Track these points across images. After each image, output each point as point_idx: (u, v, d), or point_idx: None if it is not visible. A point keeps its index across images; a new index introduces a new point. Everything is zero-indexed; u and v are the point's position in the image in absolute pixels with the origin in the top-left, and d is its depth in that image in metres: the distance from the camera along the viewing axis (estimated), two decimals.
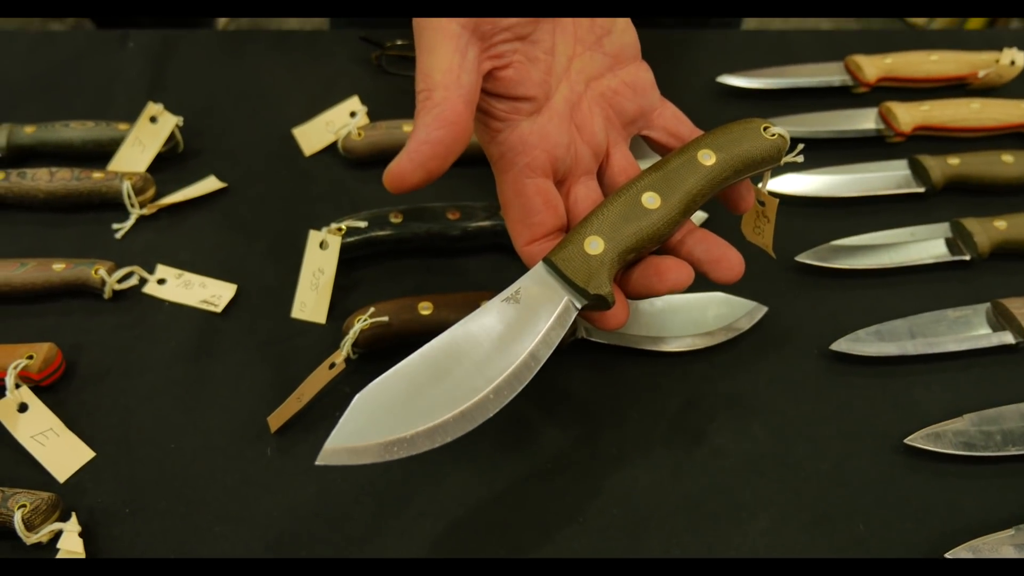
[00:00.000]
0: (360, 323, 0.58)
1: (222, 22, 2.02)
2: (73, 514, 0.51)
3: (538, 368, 0.46)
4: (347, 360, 0.58)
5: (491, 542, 0.52)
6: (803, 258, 0.68)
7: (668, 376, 0.61)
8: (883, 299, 0.67)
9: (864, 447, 0.58)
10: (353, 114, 0.73)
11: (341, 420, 0.43)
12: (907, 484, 0.56)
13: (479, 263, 0.67)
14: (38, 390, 0.56)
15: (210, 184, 0.69)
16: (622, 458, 0.57)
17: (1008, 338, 0.63)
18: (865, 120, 0.80)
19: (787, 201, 0.73)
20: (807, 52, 0.87)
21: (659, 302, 0.64)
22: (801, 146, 0.54)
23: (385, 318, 0.58)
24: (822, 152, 0.77)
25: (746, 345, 0.64)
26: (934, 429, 0.58)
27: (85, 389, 0.58)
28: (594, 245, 0.47)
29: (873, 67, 0.83)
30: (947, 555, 0.52)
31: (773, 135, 0.52)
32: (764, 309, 0.65)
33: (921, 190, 0.74)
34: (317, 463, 0.42)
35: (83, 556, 0.49)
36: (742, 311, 0.64)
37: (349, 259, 0.64)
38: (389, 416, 0.43)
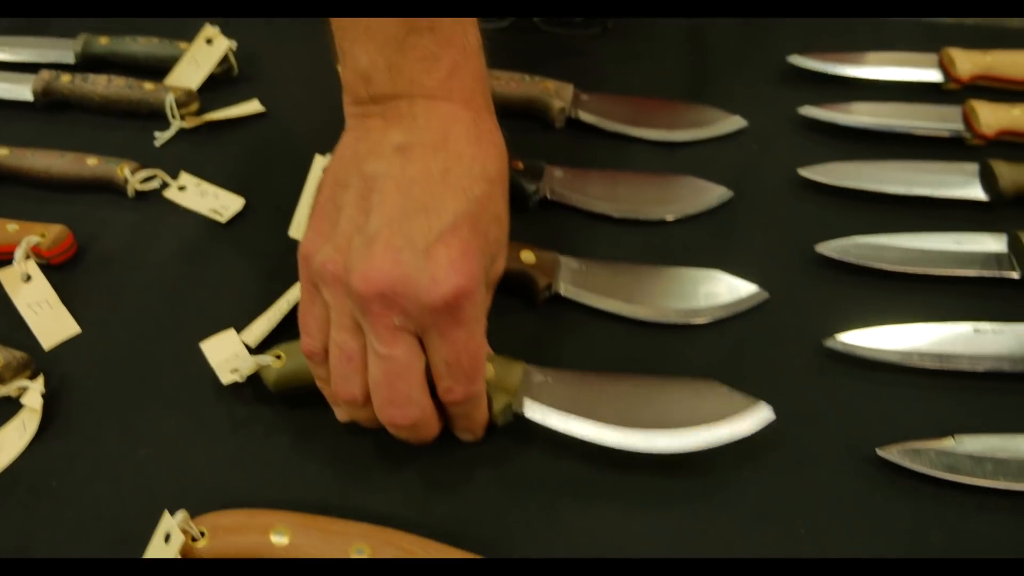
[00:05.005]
0: None
1: None
2: (41, 376, 0.55)
3: None
4: None
5: (409, 493, 0.52)
6: (823, 249, 0.63)
7: (642, 347, 0.59)
8: (907, 307, 0.61)
9: (832, 452, 0.53)
10: None
11: None
12: (865, 497, 0.51)
13: None
14: (47, 268, 0.62)
15: (251, 107, 0.73)
16: None
17: None
18: (945, 118, 0.72)
19: (827, 191, 0.68)
20: (900, 42, 0.80)
21: (645, 269, 0.61)
22: None
23: None
24: (889, 147, 0.71)
25: (736, 328, 0.60)
26: (915, 445, 0.52)
27: (88, 273, 0.63)
28: None
29: (969, 62, 0.75)
30: None
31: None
32: (764, 296, 0.61)
33: (985, 198, 0.66)
34: None
35: (40, 414, 0.54)
36: (740, 294, 0.61)
37: None
38: None
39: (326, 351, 0.48)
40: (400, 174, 0.45)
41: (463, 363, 0.46)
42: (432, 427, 0.49)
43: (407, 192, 0.44)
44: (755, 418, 0.52)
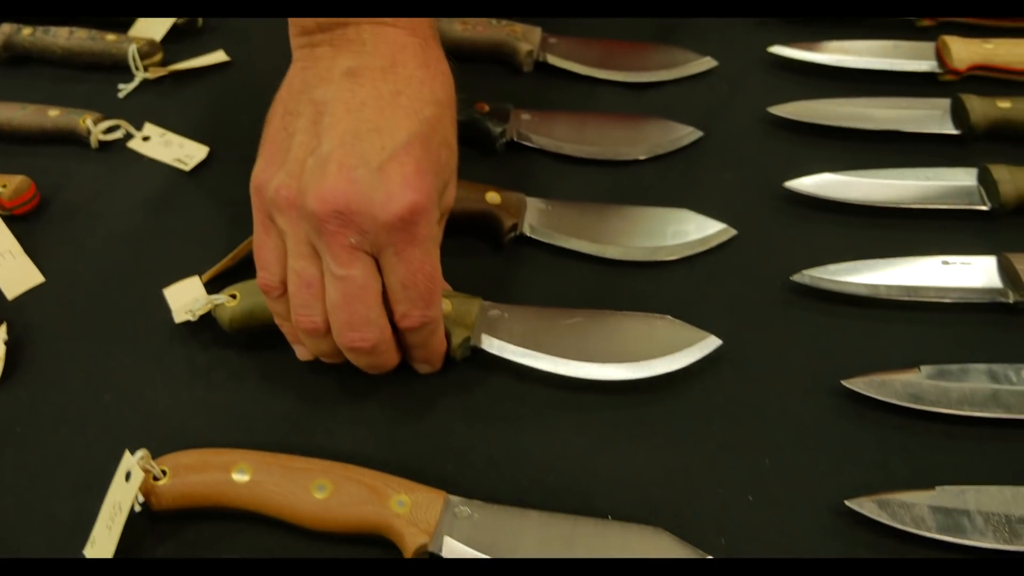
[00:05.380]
0: None
1: None
2: (4, 324, 0.55)
3: None
4: None
5: (373, 431, 0.52)
6: (792, 185, 0.62)
7: (609, 285, 0.58)
8: (876, 242, 0.60)
9: (799, 384, 0.53)
10: None
11: None
12: (831, 428, 0.51)
13: None
14: (11, 219, 0.61)
15: (215, 57, 0.72)
16: None
17: (1006, 296, 0.56)
18: (918, 54, 0.72)
19: (797, 128, 0.67)
20: None
21: (612, 209, 0.61)
22: None
23: None
24: (861, 85, 0.70)
25: (704, 265, 0.60)
26: (881, 376, 0.52)
27: (52, 224, 0.62)
28: None
29: None
30: (848, 503, 0.47)
31: None
32: (732, 233, 0.60)
33: (956, 132, 0.66)
34: None
35: (3, 362, 0.53)
36: (708, 231, 0.60)
37: None
38: None
39: (283, 285, 0.48)
40: (350, 97, 0.45)
41: (419, 284, 0.46)
42: (391, 353, 0.49)
43: (358, 114, 0.44)
44: (703, 347, 0.53)
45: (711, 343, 0.53)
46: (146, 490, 0.46)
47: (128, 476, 0.46)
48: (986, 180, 0.61)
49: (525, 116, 0.66)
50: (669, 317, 0.54)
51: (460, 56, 0.71)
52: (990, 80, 0.70)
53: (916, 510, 0.47)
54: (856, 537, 0.47)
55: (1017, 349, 0.55)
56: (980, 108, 0.65)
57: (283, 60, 0.73)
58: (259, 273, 0.49)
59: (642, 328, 0.54)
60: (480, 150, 0.66)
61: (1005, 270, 0.56)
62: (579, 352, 0.52)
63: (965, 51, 0.69)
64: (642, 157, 0.65)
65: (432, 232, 0.46)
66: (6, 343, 0.54)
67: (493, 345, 0.52)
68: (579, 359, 0.52)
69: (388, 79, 0.45)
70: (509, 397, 0.53)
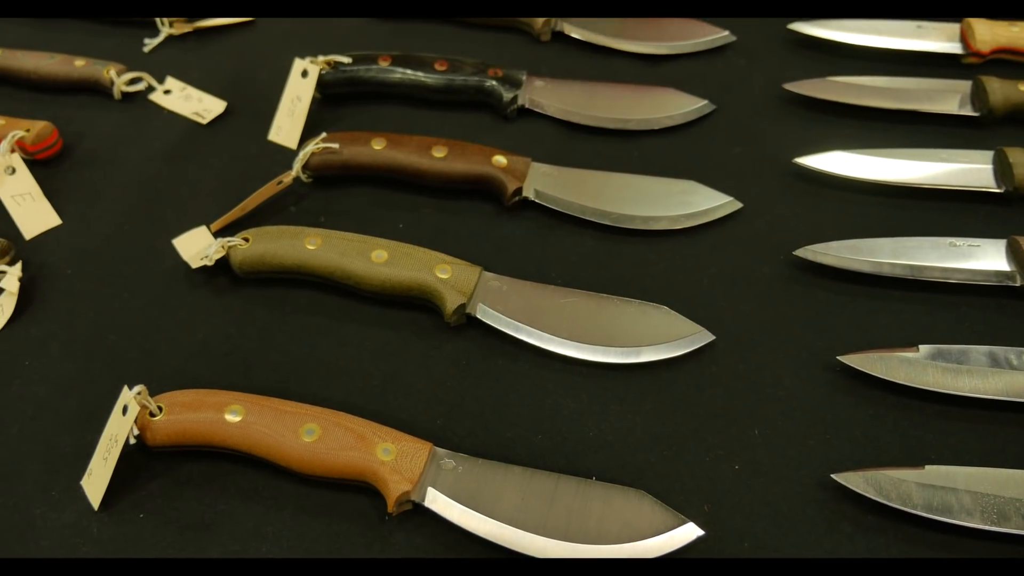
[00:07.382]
0: (312, 146, 0.60)
1: None
2: (20, 263, 0.57)
3: None
4: (298, 181, 0.60)
5: (367, 384, 0.53)
6: (803, 161, 0.62)
7: (609, 253, 0.59)
8: (886, 221, 0.60)
9: (794, 359, 0.53)
10: None
11: None
12: (824, 403, 0.51)
13: (461, 118, 0.66)
14: (33, 163, 0.63)
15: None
16: None
17: (1013, 280, 0.55)
18: (941, 35, 0.70)
19: (813, 106, 0.66)
20: None
21: (618, 177, 0.61)
22: None
23: (335, 145, 0.60)
24: (881, 65, 0.69)
25: (707, 237, 0.59)
26: (878, 354, 0.52)
27: (72, 169, 0.64)
28: None
29: None
30: (834, 476, 0.47)
31: None
32: (737, 205, 0.60)
33: (974, 114, 0.65)
34: None
35: (16, 297, 0.55)
36: (713, 203, 0.60)
37: (336, 95, 0.67)
38: None
39: None
40: None
41: None
42: None
43: None
44: (694, 340, 0.53)
45: (703, 337, 0.53)
46: (142, 425, 0.48)
47: (125, 410, 0.47)
48: (1002, 163, 0.60)
49: (538, 83, 0.66)
50: (665, 307, 0.54)
51: (478, 25, 0.72)
52: (1015, 65, 0.69)
53: (903, 487, 0.46)
54: (840, 511, 0.47)
55: (1021, 333, 0.54)
56: (1000, 90, 0.64)
57: (303, 22, 0.75)
58: None
59: (636, 315, 0.54)
60: (493, 115, 0.66)
61: (1015, 253, 0.55)
62: (571, 333, 0.52)
63: (989, 33, 0.68)
64: (654, 128, 0.65)
65: None
66: (21, 280, 0.56)
67: (488, 315, 0.53)
68: (570, 339, 0.52)
69: None
70: (502, 357, 0.53)
